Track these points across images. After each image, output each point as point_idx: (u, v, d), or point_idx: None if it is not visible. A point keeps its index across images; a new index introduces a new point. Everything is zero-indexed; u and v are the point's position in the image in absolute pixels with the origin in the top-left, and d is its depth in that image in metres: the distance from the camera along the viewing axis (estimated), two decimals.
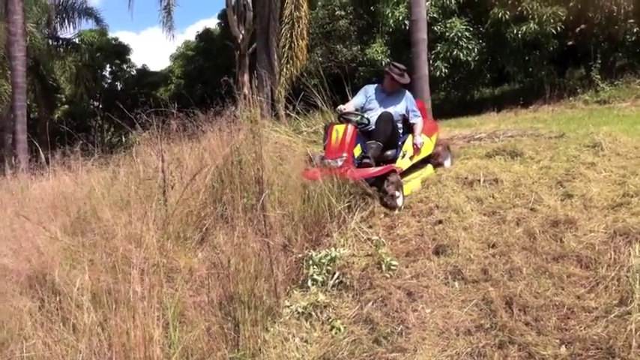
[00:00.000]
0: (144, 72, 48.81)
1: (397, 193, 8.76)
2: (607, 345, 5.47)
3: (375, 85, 10.61)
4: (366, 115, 9.86)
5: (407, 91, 10.43)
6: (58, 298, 6.34)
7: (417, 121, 10.19)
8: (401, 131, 10.13)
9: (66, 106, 45.51)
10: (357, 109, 10.12)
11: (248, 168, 8.64)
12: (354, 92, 13.78)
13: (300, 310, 6.71)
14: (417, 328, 6.30)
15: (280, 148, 10.63)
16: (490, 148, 10.71)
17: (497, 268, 7.02)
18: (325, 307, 6.79)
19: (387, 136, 9.56)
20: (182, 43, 50.43)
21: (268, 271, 6.78)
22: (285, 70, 19.14)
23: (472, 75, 21.52)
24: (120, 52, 46.81)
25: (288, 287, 7.11)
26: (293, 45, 19.03)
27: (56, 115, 41.73)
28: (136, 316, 5.34)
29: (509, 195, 8.53)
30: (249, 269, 6.47)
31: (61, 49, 37.32)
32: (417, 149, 9.95)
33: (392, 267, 7.33)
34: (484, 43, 21.54)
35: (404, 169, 9.57)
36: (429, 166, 10.29)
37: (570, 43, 20.31)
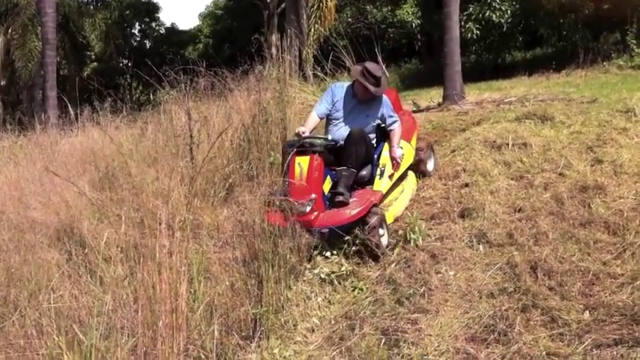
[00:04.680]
0: (173, 30, 48.85)
1: (381, 231, 7.34)
2: (632, 312, 5.45)
3: (345, 85, 8.40)
4: (330, 136, 7.89)
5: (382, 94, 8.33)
6: (85, 251, 6.40)
7: (395, 127, 8.27)
8: (374, 141, 8.32)
9: (95, 64, 45.69)
10: (321, 118, 8.27)
11: (274, 127, 8.64)
12: (384, 54, 13.73)
13: (322, 276, 6.77)
14: (439, 290, 6.35)
15: (307, 108, 10.61)
16: (520, 112, 10.49)
17: (522, 232, 7.05)
18: (348, 274, 6.87)
19: (361, 158, 7.77)
20: (211, 2, 50.15)
21: (292, 230, 6.78)
22: (313, 30, 18.95)
23: (504, 37, 20.94)
24: (149, 10, 46.75)
25: (312, 250, 7.11)
26: (322, 5, 18.74)
27: (85, 73, 41.89)
28: (162, 271, 5.36)
29: (538, 159, 8.48)
30: (273, 228, 6.50)
31: (91, 7, 37.47)
32: (396, 164, 8.13)
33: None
34: (517, 5, 21.12)
35: (384, 193, 7.96)
36: (411, 176, 8.73)
37: (606, 6, 20.00)
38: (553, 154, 8.52)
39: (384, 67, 13.08)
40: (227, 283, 6.09)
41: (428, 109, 12.90)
